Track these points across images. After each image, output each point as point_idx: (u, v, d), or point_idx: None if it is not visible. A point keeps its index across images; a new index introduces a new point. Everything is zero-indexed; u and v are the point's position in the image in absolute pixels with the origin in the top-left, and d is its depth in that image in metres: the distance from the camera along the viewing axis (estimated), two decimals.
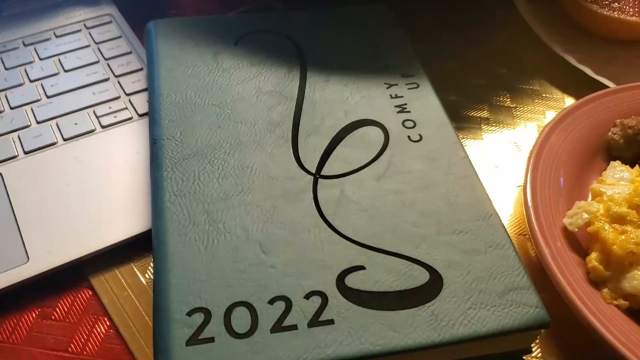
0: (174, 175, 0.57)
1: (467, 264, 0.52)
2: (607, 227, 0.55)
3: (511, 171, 0.70)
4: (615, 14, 0.79)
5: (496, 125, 0.74)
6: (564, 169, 0.65)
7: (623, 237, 0.54)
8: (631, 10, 0.79)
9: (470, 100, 0.77)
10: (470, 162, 0.61)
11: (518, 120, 0.75)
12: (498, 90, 0.79)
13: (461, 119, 0.75)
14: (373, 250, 0.53)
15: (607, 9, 0.79)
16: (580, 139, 0.68)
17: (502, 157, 0.71)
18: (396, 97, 0.67)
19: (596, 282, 0.55)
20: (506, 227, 0.64)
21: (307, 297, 0.49)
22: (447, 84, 0.79)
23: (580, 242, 0.59)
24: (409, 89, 0.68)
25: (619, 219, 0.56)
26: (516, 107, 0.77)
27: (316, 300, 0.49)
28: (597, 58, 0.83)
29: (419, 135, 0.63)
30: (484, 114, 0.76)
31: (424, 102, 0.67)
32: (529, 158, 0.64)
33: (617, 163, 0.64)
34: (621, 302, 0.53)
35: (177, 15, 0.90)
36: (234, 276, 0.50)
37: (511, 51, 0.85)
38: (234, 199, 0.56)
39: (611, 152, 0.68)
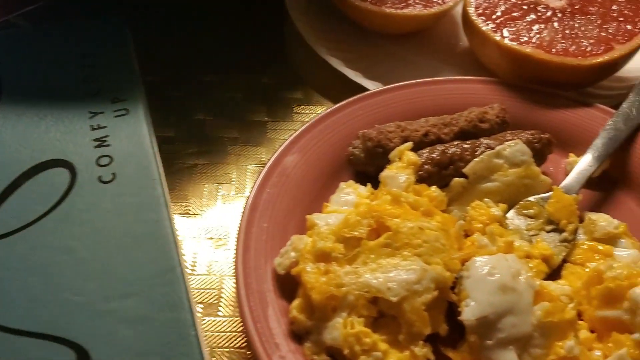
0: None
1: (129, 336, 0.43)
2: (309, 267, 0.47)
3: None
4: (376, 7, 0.71)
5: (244, 145, 0.66)
6: (297, 193, 0.57)
7: (325, 278, 0.46)
8: (389, 2, 0.72)
9: (221, 118, 0.68)
10: (165, 202, 0.52)
11: (271, 137, 0.67)
12: (255, 104, 0.70)
13: (205, 141, 0.66)
14: (7, 332, 0.43)
15: (369, 2, 0.72)
16: (321, 156, 0.60)
17: (244, 183, 0.62)
18: (98, 127, 0.57)
19: (301, 335, 0.47)
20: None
21: None
22: (198, 102, 0.70)
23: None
24: (116, 116, 0.58)
25: (323, 257, 0.48)
26: (272, 122, 0.69)
27: None
28: (368, 56, 0.75)
29: (113, 174, 0.53)
30: (234, 133, 0.67)
31: (130, 132, 0.57)
32: (253, 185, 0.55)
33: (346, 184, 0.56)
34: (323, 357, 0.45)
35: None
36: None
37: (279, 56, 0.77)
38: None
39: (355, 168, 0.60)
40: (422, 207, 0.50)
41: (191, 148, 0.65)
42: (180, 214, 0.58)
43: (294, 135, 0.60)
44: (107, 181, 0.53)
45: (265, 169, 0.57)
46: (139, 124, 0.57)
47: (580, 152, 0.60)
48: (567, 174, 0.59)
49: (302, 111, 0.70)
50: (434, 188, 0.53)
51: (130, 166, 0.54)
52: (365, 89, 0.68)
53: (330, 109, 0.63)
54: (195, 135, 0.66)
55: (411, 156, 0.55)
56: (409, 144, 0.56)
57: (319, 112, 0.70)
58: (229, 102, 0.70)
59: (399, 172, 0.53)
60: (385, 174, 0.54)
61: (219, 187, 0.61)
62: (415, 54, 0.76)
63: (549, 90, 0.65)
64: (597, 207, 0.58)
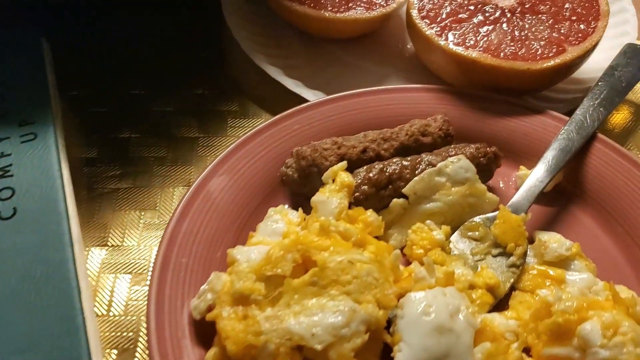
0: None
1: None
2: (226, 311, 0.42)
3: None
4: (315, 11, 0.66)
5: (172, 165, 0.61)
6: (224, 221, 0.52)
7: (242, 325, 0.41)
8: (329, 5, 0.67)
9: (148, 135, 0.63)
10: (70, 240, 0.47)
11: (202, 155, 0.62)
12: (186, 118, 0.65)
13: (129, 161, 0.60)
14: None
15: (307, 6, 0.67)
16: (252, 177, 0.55)
17: (169, 209, 0.57)
18: (2, 155, 0.52)
19: None
20: None
21: None
22: (124, 118, 0.64)
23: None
24: (22, 142, 0.53)
25: (242, 299, 0.43)
26: (204, 137, 0.63)
27: None
28: (311, 63, 0.70)
29: (14, 209, 0.48)
30: (161, 151, 0.62)
31: (36, 159, 0.52)
32: (173, 213, 0.50)
33: (276, 210, 0.51)
34: None
35: None
36: None
37: (216, 65, 0.71)
38: None
39: (289, 190, 0.55)
40: (354, 236, 0.45)
41: (114, 170, 0.60)
42: (97, 245, 0.53)
43: (222, 154, 0.55)
44: (6, 217, 0.47)
45: (187, 195, 0.52)
46: (47, 150, 0.52)
47: (532, 164, 0.56)
48: (517, 189, 0.54)
49: (238, 125, 0.65)
50: (370, 212, 0.49)
51: (33, 199, 0.49)
52: (306, 100, 0.63)
53: (264, 124, 0.58)
54: (119, 155, 0.61)
55: (345, 177, 0.50)
56: (343, 164, 0.51)
57: (256, 125, 0.65)
58: (157, 116, 0.65)
59: (331, 196, 0.49)
60: (317, 198, 0.49)
61: (142, 213, 0.56)
62: (361, 59, 0.71)
63: (498, 97, 0.60)
64: (549, 225, 0.54)
